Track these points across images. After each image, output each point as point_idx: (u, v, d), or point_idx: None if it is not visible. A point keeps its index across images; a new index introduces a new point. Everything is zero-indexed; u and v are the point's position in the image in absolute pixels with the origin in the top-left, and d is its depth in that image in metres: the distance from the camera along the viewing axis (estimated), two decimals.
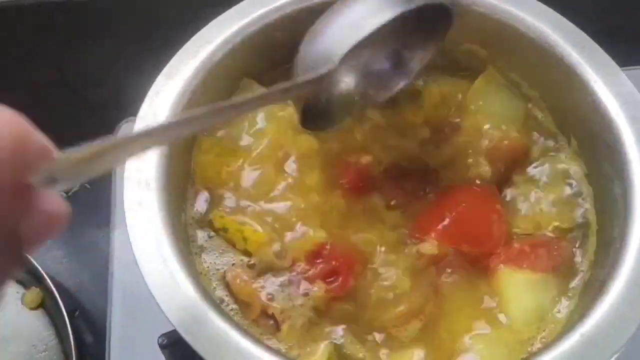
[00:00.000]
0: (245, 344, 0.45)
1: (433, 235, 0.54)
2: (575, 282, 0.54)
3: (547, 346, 0.47)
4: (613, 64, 0.55)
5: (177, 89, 0.55)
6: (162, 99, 0.54)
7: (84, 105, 0.87)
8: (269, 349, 0.46)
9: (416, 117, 0.60)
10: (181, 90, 0.55)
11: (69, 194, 0.81)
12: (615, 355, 0.45)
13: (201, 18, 0.61)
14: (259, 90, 0.59)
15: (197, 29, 0.59)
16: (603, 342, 0.45)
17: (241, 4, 0.59)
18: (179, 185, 0.56)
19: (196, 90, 0.56)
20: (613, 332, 0.46)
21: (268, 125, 0.58)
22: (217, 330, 0.45)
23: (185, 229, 0.55)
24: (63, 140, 0.86)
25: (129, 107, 0.78)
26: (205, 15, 0.61)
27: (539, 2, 0.59)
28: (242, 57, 0.59)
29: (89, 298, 0.75)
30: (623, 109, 0.53)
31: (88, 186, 0.81)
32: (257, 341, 0.46)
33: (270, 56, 0.60)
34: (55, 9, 0.91)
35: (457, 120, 0.60)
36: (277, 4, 0.58)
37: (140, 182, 0.51)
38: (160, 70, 0.57)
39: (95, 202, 0.78)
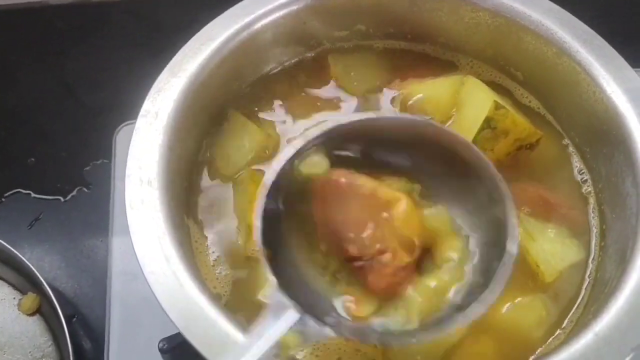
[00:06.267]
0: (247, 342, 0.44)
1: None
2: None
3: (561, 345, 0.46)
4: (621, 59, 0.55)
5: (180, 86, 0.54)
6: (164, 97, 0.54)
7: (83, 108, 0.86)
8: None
9: None
10: (184, 88, 0.54)
11: (67, 198, 0.80)
12: (631, 355, 0.44)
13: (200, 21, 0.60)
14: None
15: (197, 31, 0.59)
16: (618, 341, 0.44)
17: (243, 2, 0.59)
18: (181, 184, 0.55)
19: (199, 88, 0.55)
20: (628, 330, 0.45)
21: None
22: (219, 330, 0.44)
23: (188, 228, 0.55)
24: (63, 143, 0.86)
25: (128, 110, 0.79)
26: (205, 18, 0.61)
27: (547, 0, 0.59)
28: (245, 55, 0.59)
29: (87, 304, 0.73)
30: (633, 104, 0.53)
31: (87, 190, 0.80)
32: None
33: (273, 52, 0.60)
34: (55, 12, 0.91)
35: None
36: (281, 1, 0.58)
37: (142, 180, 0.50)
38: (160, 74, 0.56)
39: (94, 206, 0.78)
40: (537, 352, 0.50)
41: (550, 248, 0.55)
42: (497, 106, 0.55)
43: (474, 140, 0.56)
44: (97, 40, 0.90)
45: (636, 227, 0.49)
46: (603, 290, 0.50)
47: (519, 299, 0.52)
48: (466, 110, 0.59)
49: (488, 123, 0.55)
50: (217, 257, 0.55)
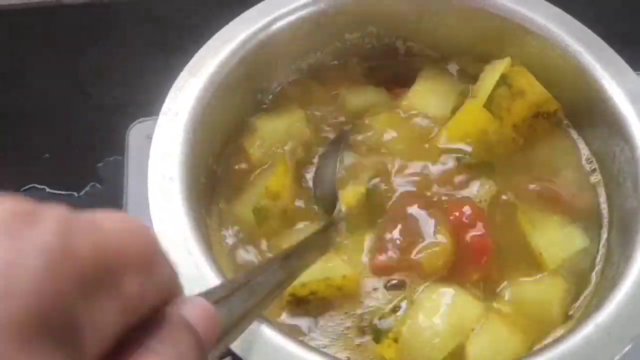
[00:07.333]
0: (272, 334, 0.45)
1: None
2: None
3: (562, 337, 0.47)
4: (623, 62, 0.57)
5: (200, 84, 0.56)
6: (185, 95, 0.55)
7: (96, 106, 0.87)
8: (295, 338, 0.47)
9: None
10: (204, 86, 0.56)
11: (81, 193, 0.81)
12: (631, 345, 0.45)
13: (212, 21, 0.62)
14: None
15: (208, 31, 0.60)
16: (618, 331, 0.46)
17: (259, 5, 0.61)
18: (199, 179, 0.57)
19: (219, 86, 0.57)
20: (628, 321, 0.46)
21: None
22: None
23: (205, 220, 0.56)
24: (76, 140, 0.86)
25: (141, 108, 0.80)
26: (217, 18, 0.62)
27: (549, 4, 0.61)
28: (264, 55, 0.60)
29: None
30: (634, 106, 0.55)
31: (99, 185, 0.81)
32: (284, 332, 0.46)
33: (291, 53, 0.61)
34: (69, 12, 0.92)
35: None
36: (298, 3, 0.60)
37: (164, 175, 0.51)
38: (172, 72, 0.58)
39: (107, 201, 0.78)
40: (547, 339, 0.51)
41: (555, 236, 0.55)
42: (512, 63, 0.57)
43: (491, 97, 0.57)
44: (110, 40, 0.91)
45: (637, 223, 0.51)
46: (609, 279, 0.51)
47: (531, 286, 0.54)
48: (483, 73, 0.61)
49: (504, 80, 0.57)
50: (234, 247, 0.57)
